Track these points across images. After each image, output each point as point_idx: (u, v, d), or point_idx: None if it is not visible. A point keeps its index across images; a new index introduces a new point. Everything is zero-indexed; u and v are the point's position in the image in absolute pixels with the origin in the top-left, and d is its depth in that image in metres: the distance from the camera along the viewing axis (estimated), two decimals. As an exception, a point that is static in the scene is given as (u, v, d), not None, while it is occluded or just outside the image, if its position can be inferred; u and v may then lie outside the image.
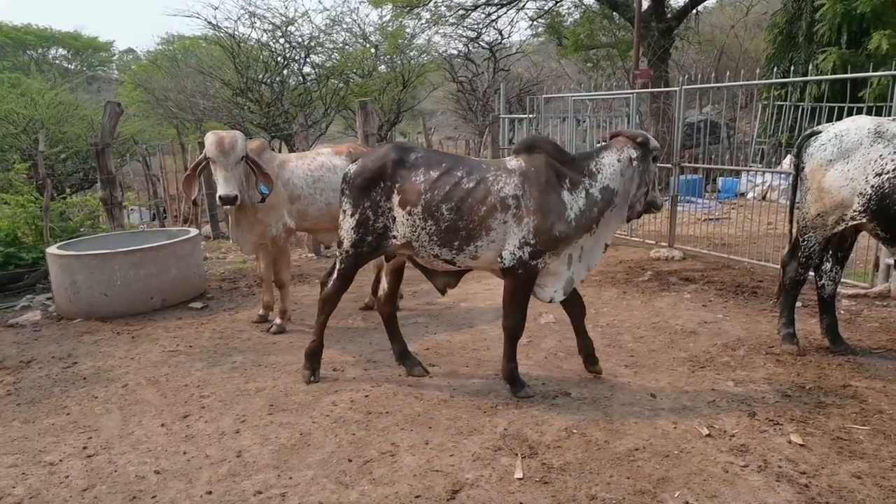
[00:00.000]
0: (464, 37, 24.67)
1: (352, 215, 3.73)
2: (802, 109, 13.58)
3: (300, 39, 18.64)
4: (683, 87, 7.48)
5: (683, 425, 3.37)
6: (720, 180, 13.23)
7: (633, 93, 8.12)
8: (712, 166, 10.76)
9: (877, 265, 6.01)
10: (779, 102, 14.42)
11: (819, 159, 4.10)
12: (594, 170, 3.61)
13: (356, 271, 3.92)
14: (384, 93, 22.86)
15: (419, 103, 27.71)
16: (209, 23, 16.53)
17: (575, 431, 3.32)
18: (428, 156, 3.71)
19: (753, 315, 5.38)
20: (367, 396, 3.83)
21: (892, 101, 5.73)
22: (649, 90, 10.68)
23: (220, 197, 4.50)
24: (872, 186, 3.86)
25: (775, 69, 14.05)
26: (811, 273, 4.46)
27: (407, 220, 3.60)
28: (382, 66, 24.93)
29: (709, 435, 3.24)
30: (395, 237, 3.69)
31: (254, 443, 3.30)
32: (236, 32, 16.65)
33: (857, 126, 4.00)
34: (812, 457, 3.02)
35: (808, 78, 10.71)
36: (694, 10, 20.70)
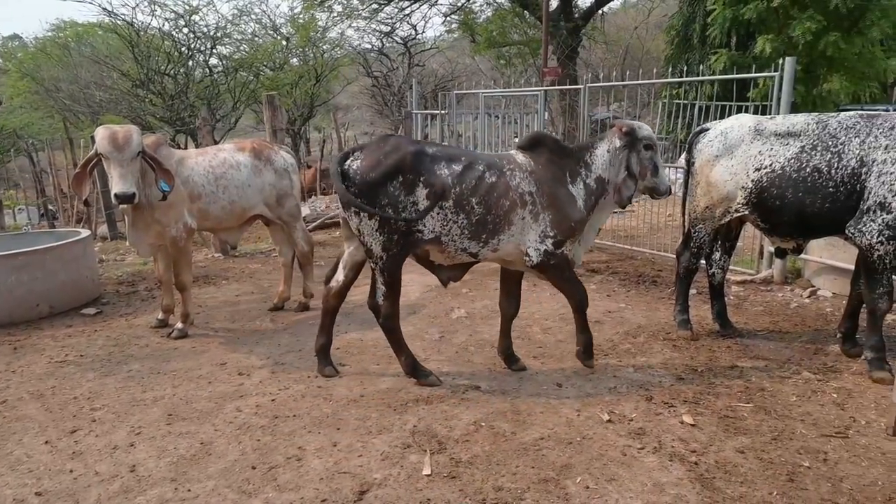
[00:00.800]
0: (378, 31, 24.48)
1: (370, 217, 3.47)
2: (698, 108, 14.41)
3: (205, 29, 17.86)
4: (588, 84, 7.74)
5: (586, 412, 3.49)
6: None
7: (541, 90, 8.33)
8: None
9: (761, 253, 6.46)
10: (676, 101, 15.23)
11: (707, 155, 4.35)
12: (589, 161, 3.81)
13: (400, 274, 3.70)
14: (297, 87, 22.33)
15: (333, 98, 27.27)
16: (104, 9, 15.53)
17: (483, 424, 3.37)
18: (444, 148, 3.71)
19: (653, 303, 5.66)
20: (273, 400, 3.72)
21: (771, 100, 6.15)
22: (557, 87, 10.99)
23: (115, 195, 4.23)
24: (753, 181, 4.14)
25: (672, 69, 14.80)
26: (703, 262, 4.74)
27: (437, 214, 3.50)
28: (294, 60, 24.33)
29: (609, 420, 3.37)
30: (420, 233, 3.55)
31: (150, 456, 3.13)
32: (135, 20, 15.74)
33: (739, 124, 4.28)
34: (702, 435, 3.21)
35: (703, 78, 11.36)
36: (600, 11, 21.48)
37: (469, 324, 5.13)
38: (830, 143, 3.86)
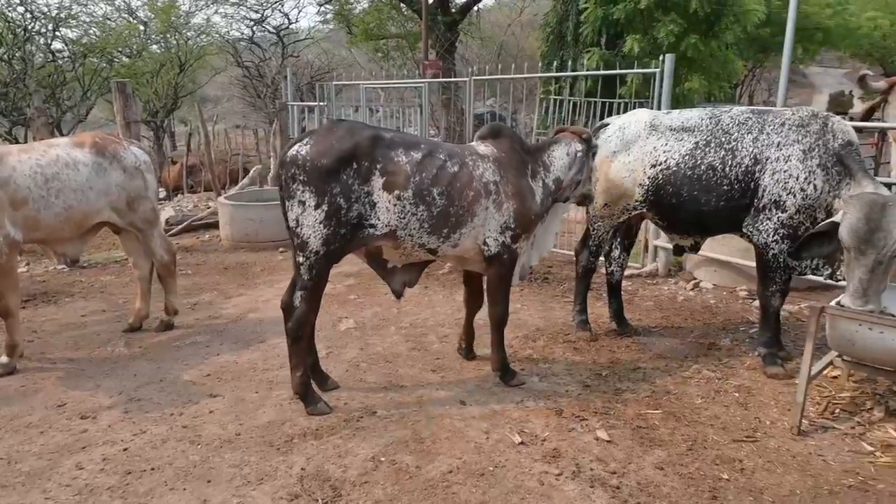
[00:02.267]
0: (248, 19, 23.07)
1: (316, 207, 3.11)
2: (574, 104, 14.81)
3: (46, 9, 15.80)
4: (473, 77, 7.50)
5: (496, 434, 3.18)
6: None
7: (424, 82, 7.99)
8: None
9: (646, 247, 6.54)
10: (553, 97, 15.58)
11: (605, 151, 4.20)
12: (547, 161, 3.73)
13: (328, 277, 3.35)
14: (158, 76, 20.49)
15: (200, 88, 25.42)
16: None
17: (383, 459, 2.95)
18: (401, 134, 3.50)
19: (548, 302, 5.50)
20: (126, 450, 3.07)
21: (652, 98, 6.22)
22: (440, 80, 10.71)
23: None
24: (649, 177, 4.04)
25: (548, 65, 15.09)
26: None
27: (394, 206, 3.22)
28: (155, 46, 22.35)
29: (521, 443, 3.08)
30: (373, 227, 3.23)
31: (-49, 543, 2.42)
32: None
33: (636, 119, 4.17)
34: (618, 452, 3.00)
35: (588, 73, 11.51)
36: (476, 7, 21.58)
37: (359, 336, 4.68)
38: (724, 139, 3.82)
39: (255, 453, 3.02)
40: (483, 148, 3.60)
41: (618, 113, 9.47)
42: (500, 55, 27.41)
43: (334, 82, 8.44)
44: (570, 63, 15.01)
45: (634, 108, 6.85)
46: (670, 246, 6.29)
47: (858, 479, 2.76)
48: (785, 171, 3.62)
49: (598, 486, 2.71)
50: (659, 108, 6.06)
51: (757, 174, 3.70)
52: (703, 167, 3.84)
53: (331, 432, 3.21)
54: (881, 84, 5.98)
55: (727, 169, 3.77)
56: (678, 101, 14.18)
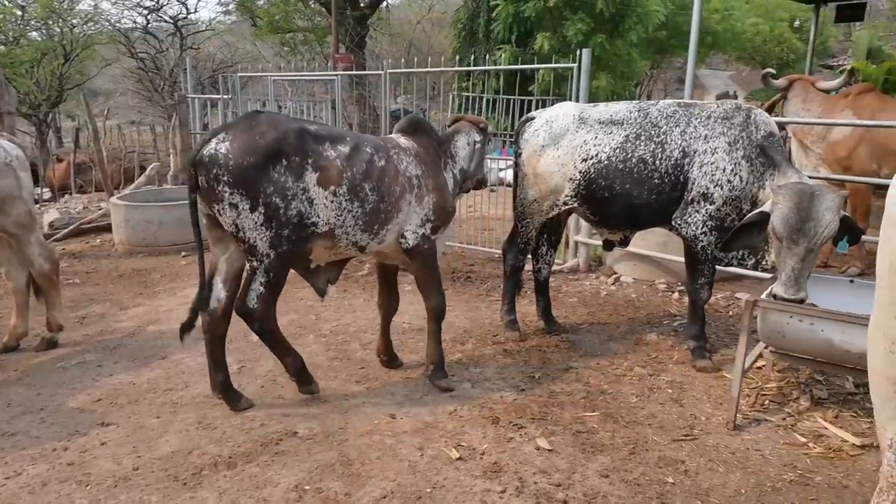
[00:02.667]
0: (141, 7, 21.56)
1: (252, 209, 2.90)
2: (485, 100, 14.84)
3: None
4: (388, 70, 7.22)
5: (431, 450, 2.94)
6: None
7: (337, 74, 7.62)
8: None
9: (567, 243, 6.52)
10: (466, 93, 15.54)
11: (533, 145, 4.06)
12: (453, 152, 3.75)
13: (286, 277, 3.17)
14: (39, 65, 18.76)
15: (89, 80, 23.52)
16: None
17: (308, 488, 2.65)
18: (325, 126, 3.41)
19: (473, 302, 5.33)
20: (-5, 498, 2.59)
21: (569, 94, 6.20)
22: (354, 73, 10.35)
23: None
24: (580, 172, 3.93)
25: (460, 62, 15.03)
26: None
27: (331, 202, 3.09)
28: (34, 33, 20.46)
29: (459, 458, 2.86)
30: (315, 225, 3.08)
31: None
32: None
33: (563, 112, 4.05)
34: (561, 461, 2.85)
35: (502, 68, 11.48)
36: (385, 3, 21.25)
37: (275, 346, 4.30)
38: (653, 132, 3.78)
39: (156, 491, 2.63)
40: (403, 141, 3.53)
41: (529, 110, 9.50)
42: (410, 52, 27.23)
43: (240, 73, 7.88)
44: (483, 59, 15.04)
45: (547, 105, 6.85)
46: (591, 241, 6.33)
47: (797, 472, 2.75)
48: (712, 164, 3.62)
49: (545, 502, 2.54)
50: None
51: (686, 167, 3.68)
52: (634, 160, 3.77)
53: (246, 460, 2.86)
54: (781, 82, 6.25)
55: (658, 162, 3.73)
56: (588, 99, 14.56)
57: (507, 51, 14.46)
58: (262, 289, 3.08)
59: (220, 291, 3.23)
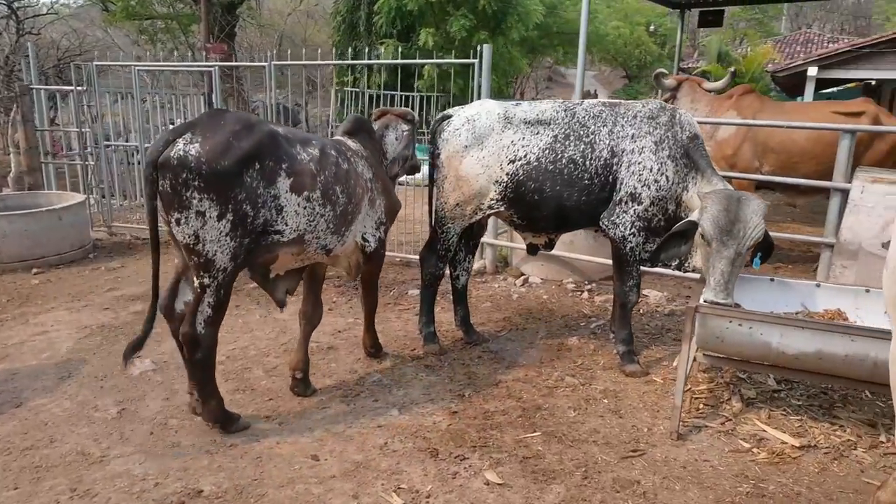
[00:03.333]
0: (-37, -17, 18.75)
1: (220, 217, 2.67)
2: (369, 96, 14.40)
3: None
4: (273, 62, 6.63)
5: (367, 496, 2.57)
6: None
7: (215, 65, 6.88)
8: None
9: (474, 244, 6.32)
10: (350, 88, 15.00)
11: (455, 146, 3.77)
12: (385, 149, 3.75)
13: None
14: None
15: None
16: None
17: (226, 566, 2.18)
18: (290, 129, 3.17)
19: (383, 312, 4.95)
20: None
21: (471, 90, 6.01)
22: (236, 64, 9.53)
23: None
24: (508, 174, 3.71)
25: (341, 55, 14.48)
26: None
27: (304, 208, 2.96)
28: None
29: (404, 505, 2.52)
30: (279, 233, 2.90)
31: None
32: None
33: (486, 110, 3.80)
34: (515, 496, 2.59)
35: (399, 62, 11.00)
36: (255, -9, 20.07)
37: (161, 381, 3.70)
38: (582, 132, 3.63)
39: None
40: (352, 143, 3.47)
41: (412, 106, 9.25)
42: (282, 44, 26.04)
43: (96, 62, 6.90)
44: (364, 53, 14.55)
45: (433, 101, 6.67)
46: (497, 242, 6.18)
47: (750, 483, 2.69)
48: (640, 164, 3.53)
49: (510, 550, 2.27)
50: (478, 99, 5.89)
51: (614, 167, 3.57)
52: (563, 161, 3.61)
53: (141, 535, 2.33)
54: (671, 82, 6.45)
55: (587, 162, 3.59)
56: (472, 96, 14.56)
57: (390, 45, 14.10)
58: (209, 311, 2.80)
59: (187, 294, 3.00)
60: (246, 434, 3.09)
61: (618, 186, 3.56)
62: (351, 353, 4.14)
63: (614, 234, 3.62)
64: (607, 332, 4.49)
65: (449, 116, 3.94)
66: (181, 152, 2.59)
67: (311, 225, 3.00)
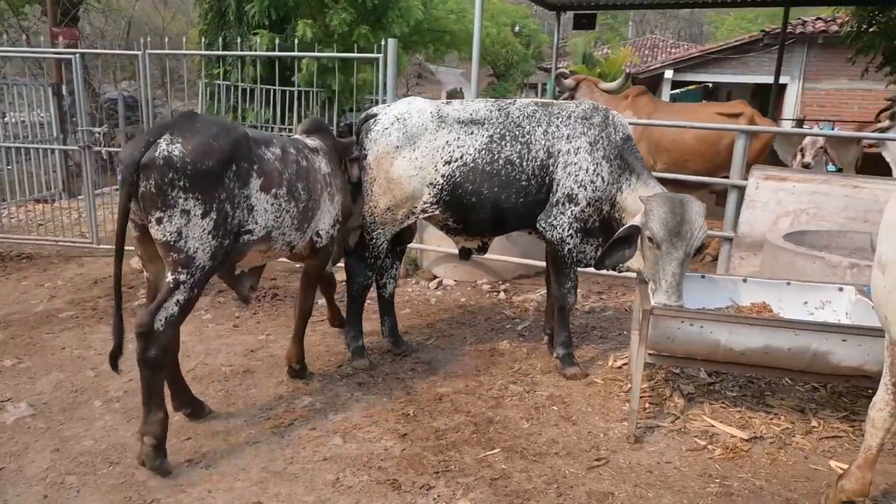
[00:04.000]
0: None
1: (203, 216, 2.67)
2: (243, 90, 13.50)
3: None
4: (149, 51, 5.90)
5: (333, 547, 2.27)
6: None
7: (76, 52, 6.00)
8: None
9: (382, 247, 6.05)
10: (218, 81, 13.98)
11: (385, 146, 3.50)
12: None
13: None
14: None
15: None
16: None
17: None
18: (254, 130, 3.33)
19: (292, 324, 4.57)
20: None
21: (376, 85, 5.74)
22: (102, 51, 8.43)
23: None
24: (443, 176, 3.51)
25: (209, 45, 13.46)
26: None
27: (271, 205, 3.01)
28: None
29: (380, 552, 2.24)
30: (250, 232, 2.94)
31: None
32: None
33: (417, 109, 3.56)
34: (496, 525, 2.41)
35: (297, 54, 10.31)
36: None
37: (45, 428, 3.10)
38: (517, 132, 3.52)
39: None
40: (311, 142, 3.46)
41: (291, 101, 8.76)
42: (130, 32, 23.86)
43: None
44: (236, 44, 13.64)
45: (311, 96, 6.35)
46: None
47: (716, 482, 2.71)
48: (576, 164, 3.48)
49: (509, 591, 2.08)
50: (385, 96, 5.64)
51: (551, 168, 3.50)
52: (500, 162, 3.47)
53: None
54: (570, 82, 6.58)
55: (524, 163, 3.48)
56: (353, 93, 14.12)
57: (265, 36, 13.30)
58: (175, 308, 2.70)
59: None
60: (167, 484, 2.65)
61: (554, 187, 3.49)
62: (270, 374, 3.75)
63: (552, 235, 3.56)
64: (535, 333, 4.46)
65: (374, 115, 3.67)
66: (166, 153, 2.59)
67: (277, 222, 3.04)
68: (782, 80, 15.92)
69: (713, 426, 3.13)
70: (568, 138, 3.49)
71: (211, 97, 13.59)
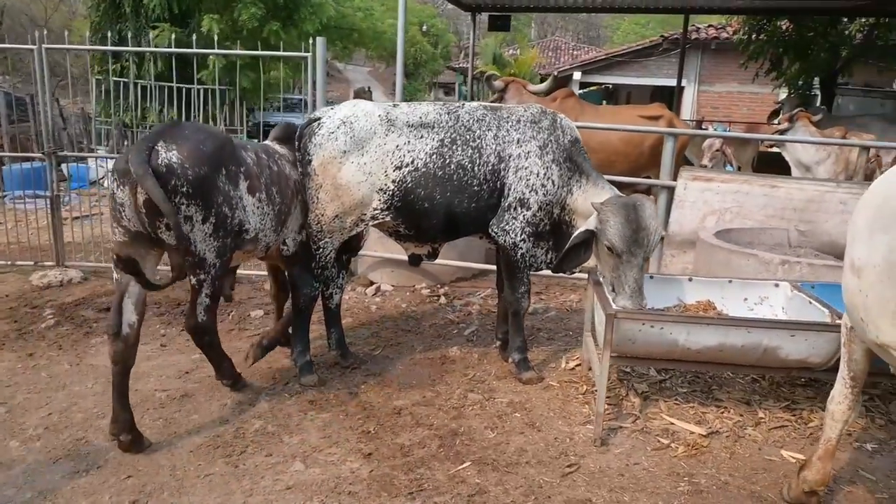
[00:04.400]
0: None
1: (204, 220, 2.85)
2: (142, 87, 12.64)
3: None
4: (46, 46, 5.36)
5: (316, 586, 2.11)
6: (65, 167, 10.99)
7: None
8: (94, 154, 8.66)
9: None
10: (114, 78, 13.01)
11: (331, 151, 3.33)
12: None
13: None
14: None
15: None
16: None
17: None
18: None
19: (230, 341, 4.27)
20: None
21: (304, 84, 5.51)
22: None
23: None
24: (394, 181, 3.38)
25: (102, 39, 12.51)
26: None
27: (257, 207, 3.13)
28: None
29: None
30: (247, 231, 3.10)
31: None
32: None
33: (364, 112, 3.42)
34: (483, 545, 2.33)
35: (228, 52, 9.68)
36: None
37: (-45, 476, 2.71)
38: (468, 136, 3.45)
39: None
40: (279, 148, 3.51)
41: (195, 100, 8.30)
42: (3, 23, 21.79)
43: None
44: (134, 39, 12.77)
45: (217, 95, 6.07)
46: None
47: (685, 481, 2.77)
48: (526, 168, 3.46)
49: None
50: (314, 97, 5.44)
51: (502, 172, 3.46)
52: (452, 166, 3.40)
53: None
54: (499, 84, 6.62)
55: (476, 168, 3.43)
56: (273, 89, 13.58)
57: (166, 30, 12.51)
58: (207, 301, 2.99)
59: (130, 315, 2.91)
60: (114, 532, 2.38)
61: (506, 192, 3.47)
62: (211, 398, 3.49)
63: (505, 240, 3.53)
64: (483, 337, 4.43)
65: (317, 119, 3.49)
66: (167, 160, 2.70)
67: (262, 223, 3.17)
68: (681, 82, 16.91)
69: (672, 423, 3.21)
70: (518, 143, 3.47)
71: (106, 95, 12.65)
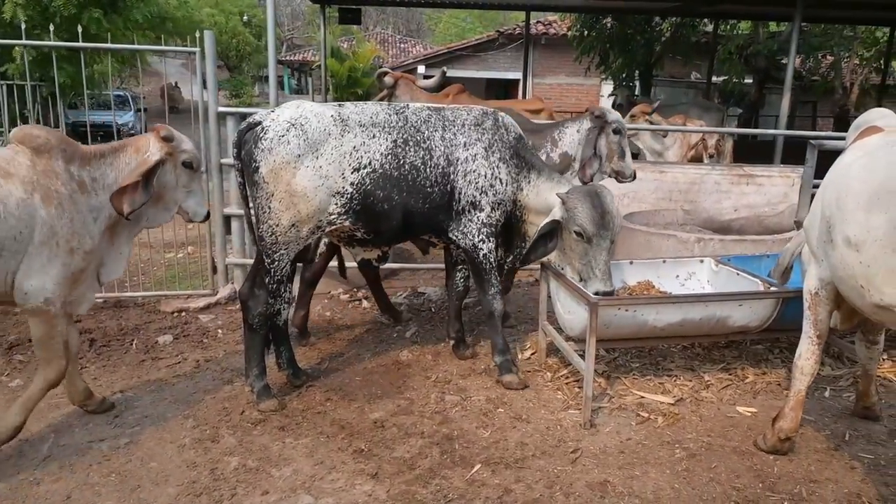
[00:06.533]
0: None
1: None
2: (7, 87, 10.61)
3: None
4: None
5: None
6: None
7: None
8: None
9: (215, 268, 5.33)
10: None
11: (283, 156, 3.08)
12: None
13: None
14: None
15: None
16: None
17: None
18: None
19: (145, 374, 3.81)
20: None
21: (198, 83, 5.02)
22: None
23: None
24: (352, 184, 3.22)
25: None
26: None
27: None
28: None
29: None
30: None
31: None
32: None
33: (315, 113, 3.19)
34: (539, 544, 2.33)
35: (88, 45, 8.13)
36: None
37: None
38: (418, 137, 3.41)
39: None
40: None
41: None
42: None
43: None
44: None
45: (34, 91, 5.39)
46: (245, 261, 5.30)
47: (677, 447, 2.98)
48: (474, 171, 3.49)
49: None
50: (207, 91, 4.99)
51: (452, 175, 3.47)
52: (406, 167, 3.34)
53: None
54: (389, 80, 6.53)
55: (428, 169, 3.41)
56: (90, 84, 12.02)
57: (-45, 17, 10.55)
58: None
59: None
60: None
61: (457, 196, 3.48)
62: (161, 439, 3.08)
63: (464, 244, 3.54)
64: (426, 337, 4.38)
65: (258, 122, 3.20)
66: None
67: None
68: (515, 75, 17.91)
69: (643, 397, 3.45)
70: (465, 146, 3.48)
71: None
